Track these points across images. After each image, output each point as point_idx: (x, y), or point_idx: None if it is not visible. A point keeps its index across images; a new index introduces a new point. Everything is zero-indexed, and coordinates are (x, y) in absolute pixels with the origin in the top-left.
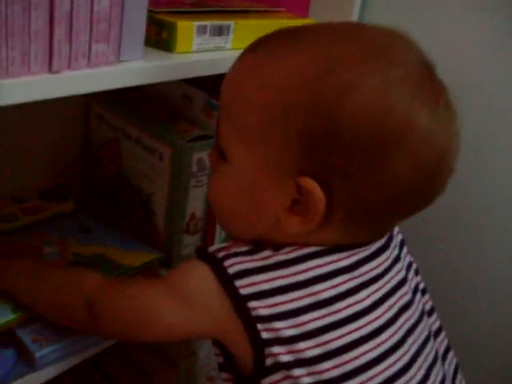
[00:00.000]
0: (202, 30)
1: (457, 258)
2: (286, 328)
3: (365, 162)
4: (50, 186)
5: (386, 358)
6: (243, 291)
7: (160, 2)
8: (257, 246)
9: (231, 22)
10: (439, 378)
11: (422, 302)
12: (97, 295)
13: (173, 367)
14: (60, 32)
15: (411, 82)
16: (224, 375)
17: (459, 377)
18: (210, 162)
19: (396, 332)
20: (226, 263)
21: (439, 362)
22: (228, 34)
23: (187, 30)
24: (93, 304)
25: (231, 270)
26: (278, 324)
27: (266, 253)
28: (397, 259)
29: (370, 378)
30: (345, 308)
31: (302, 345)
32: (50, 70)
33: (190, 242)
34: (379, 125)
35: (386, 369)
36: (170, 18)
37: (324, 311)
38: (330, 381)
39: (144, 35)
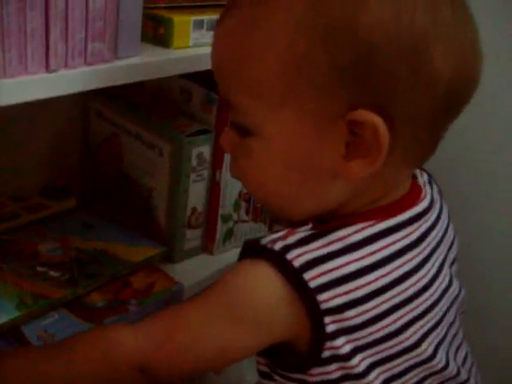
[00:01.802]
0: (198, 25)
1: None
2: (355, 316)
3: (410, 66)
4: (51, 184)
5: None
6: (313, 283)
7: None
8: (320, 227)
9: None
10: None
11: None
12: (145, 354)
13: None
14: (56, 31)
15: None
16: (262, 367)
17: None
18: (227, 147)
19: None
20: (289, 255)
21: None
22: None
23: (184, 25)
24: (145, 365)
25: (296, 263)
26: (348, 313)
27: (333, 236)
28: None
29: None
30: (410, 287)
31: (365, 331)
32: (47, 69)
33: (192, 236)
34: (406, 25)
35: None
36: (166, 14)
37: (392, 293)
38: (389, 357)
39: (140, 32)
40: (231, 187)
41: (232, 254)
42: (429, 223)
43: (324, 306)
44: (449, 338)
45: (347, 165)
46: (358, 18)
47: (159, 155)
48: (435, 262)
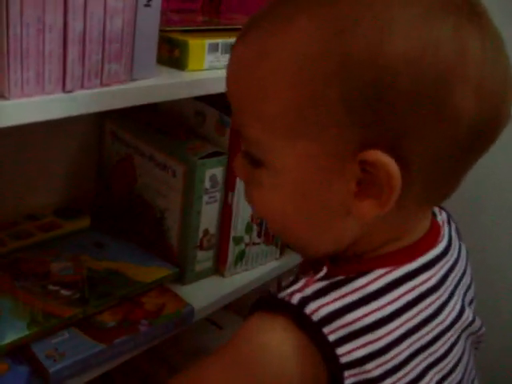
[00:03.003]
0: (213, 48)
1: None
2: (375, 368)
3: (429, 106)
4: (65, 203)
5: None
6: (332, 337)
7: (172, 21)
8: (336, 270)
9: None
10: None
11: None
12: None
13: None
14: (73, 53)
15: (451, 7)
16: None
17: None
18: (240, 173)
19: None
20: (308, 309)
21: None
22: None
23: (199, 48)
24: None
25: (315, 317)
26: (368, 366)
27: (351, 285)
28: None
29: None
30: (429, 332)
31: (384, 382)
32: (64, 89)
33: (204, 257)
34: (432, 58)
35: None
36: (181, 37)
37: (410, 340)
38: None
39: (156, 54)
40: (243, 209)
41: (243, 276)
42: (448, 265)
43: (343, 360)
44: (466, 378)
45: (358, 203)
46: (380, 50)
47: (172, 176)
48: (455, 304)
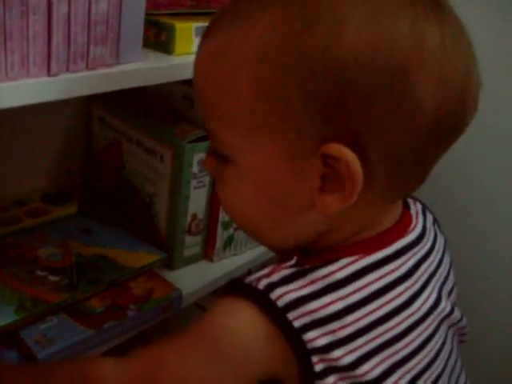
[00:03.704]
0: (200, 32)
1: None
2: (344, 355)
3: (388, 99)
4: (52, 189)
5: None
6: (297, 323)
7: (159, 4)
8: (304, 260)
9: None
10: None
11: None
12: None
13: None
14: (58, 36)
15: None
16: None
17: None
18: (209, 170)
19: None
20: (273, 295)
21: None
22: None
23: (186, 31)
24: None
25: (280, 302)
26: (336, 353)
27: (317, 273)
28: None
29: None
30: (400, 323)
31: (354, 371)
32: (49, 72)
33: (192, 242)
34: (385, 52)
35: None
36: (168, 20)
37: (380, 330)
38: None
39: (142, 37)
40: None
41: (232, 261)
42: (419, 255)
43: (310, 346)
44: (448, 370)
45: (322, 198)
46: (331, 46)
47: (160, 161)
48: (430, 295)
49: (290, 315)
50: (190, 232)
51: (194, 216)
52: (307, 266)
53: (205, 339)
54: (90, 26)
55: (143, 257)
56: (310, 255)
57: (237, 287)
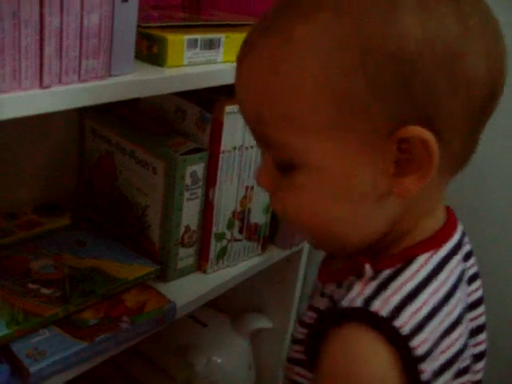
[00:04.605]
0: (192, 44)
1: None
2: (440, 354)
3: (448, 76)
4: (45, 201)
5: None
6: (404, 330)
7: (151, 16)
8: (380, 264)
9: (222, 36)
10: None
11: None
12: None
13: (170, 381)
14: (50, 48)
15: None
16: None
17: None
18: (268, 185)
19: None
20: (372, 308)
21: None
22: (219, 47)
23: (178, 43)
24: None
25: (383, 312)
26: (436, 354)
27: (404, 275)
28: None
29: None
30: (479, 316)
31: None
32: (41, 85)
33: (185, 254)
34: (442, 34)
35: None
36: (160, 33)
37: (464, 325)
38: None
39: (134, 50)
40: (225, 206)
41: (225, 272)
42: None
43: (418, 352)
44: None
45: (399, 181)
46: (388, 31)
47: (153, 173)
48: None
49: (396, 322)
50: (183, 244)
51: (187, 228)
52: (388, 271)
53: (342, 377)
54: (82, 38)
55: (136, 269)
56: (377, 259)
57: (334, 316)
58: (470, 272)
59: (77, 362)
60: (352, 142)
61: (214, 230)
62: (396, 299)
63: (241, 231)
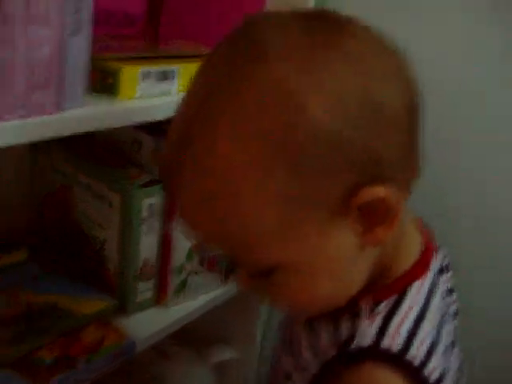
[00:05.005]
0: (146, 76)
1: None
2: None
3: (371, 128)
4: (1, 236)
5: None
6: (416, 361)
7: (109, 47)
8: (377, 295)
9: (176, 67)
10: None
11: None
12: None
13: None
14: None
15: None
16: None
17: None
18: (255, 291)
19: None
20: (384, 344)
21: None
22: (173, 79)
23: (131, 75)
24: None
25: (394, 347)
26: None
27: (404, 305)
28: None
29: None
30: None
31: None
32: None
33: (144, 288)
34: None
35: None
36: (113, 64)
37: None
38: None
39: (86, 83)
40: (184, 238)
41: (185, 306)
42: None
43: (431, 380)
44: None
45: (371, 235)
46: (295, 121)
47: (109, 207)
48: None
49: (409, 356)
50: (141, 277)
51: (146, 261)
52: (387, 303)
53: None
54: (31, 72)
55: (94, 303)
56: (370, 292)
57: (345, 358)
58: (448, 285)
59: None
60: (314, 230)
61: (173, 263)
62: (404, 331)
63: (202, 263)
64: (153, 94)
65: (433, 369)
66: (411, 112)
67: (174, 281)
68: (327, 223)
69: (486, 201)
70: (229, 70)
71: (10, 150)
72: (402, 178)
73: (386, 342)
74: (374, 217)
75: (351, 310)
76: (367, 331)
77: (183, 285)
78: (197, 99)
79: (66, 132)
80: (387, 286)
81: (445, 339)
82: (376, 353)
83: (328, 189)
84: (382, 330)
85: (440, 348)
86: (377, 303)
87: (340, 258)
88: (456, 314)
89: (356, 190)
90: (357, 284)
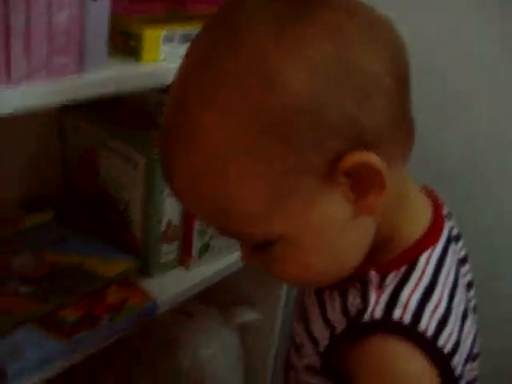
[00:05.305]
0: (169, 39)
1: None
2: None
3: (350, 92)
4: (27, 198)
5: None
6: (429, 332)
7: (130, 9)
8: (384, 268)
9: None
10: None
11: None
12: None
13: (156, 374)
14: (18, 46)
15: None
16: None
17: None
18: (257, 263)
19: None
20: (395, 316)
21: None
22: None
23: (154, 38)
24: None
25: (406, 320)
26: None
27: (414, 277)
28: None
29: None
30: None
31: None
32: (9, 83)
33: (168, 249)
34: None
35: None
36: (136, 27)
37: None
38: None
39: (106, 46)
40: None
41: (208, 268)
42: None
43: (446, 350)
44: None
45: (363, 202)
46: (273, 96)
47: (134, 168)
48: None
49: (420, 327)
50: (165, 239)
51: (169, 223)
52: (396, 274)
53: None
54: (51, 36)
55: (118, 264)
56: (377, 261)
57: (358, 329)
58: (461, 254)
59: (56, 360)
60: (305, 201)
61: (196, 225)
62: (414, 302)
63: None
64: (177, 56)
65: (447, 338)
66: (399, 81)
67: (197, 243)
68: (317, 193)
69: None
70: (212, 45)
71: (36, 114)
72: (393, 146)
73: (396, 314)
74: (363, 183)
75: (359, 282)
76: (378, 303)
77: (206, 247)
78: (185, 73)
79: (89, 94)
80: (397, 257)
81: (456, 309)
82: (387, 325)
83: (314, 157)
84: (392, 302)
85: (452, 318)
86: (386, 274)
87: (333, 228)
88: (470, 284)
89: (340, 155)
90: (354, 256)
